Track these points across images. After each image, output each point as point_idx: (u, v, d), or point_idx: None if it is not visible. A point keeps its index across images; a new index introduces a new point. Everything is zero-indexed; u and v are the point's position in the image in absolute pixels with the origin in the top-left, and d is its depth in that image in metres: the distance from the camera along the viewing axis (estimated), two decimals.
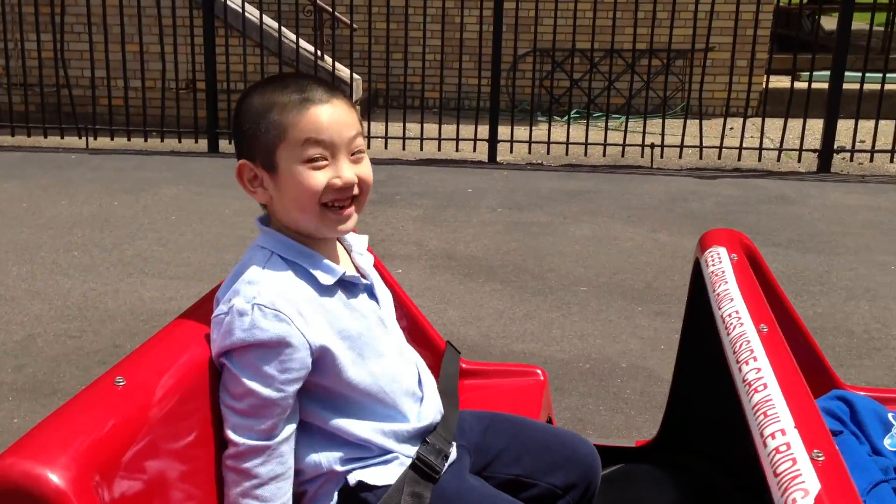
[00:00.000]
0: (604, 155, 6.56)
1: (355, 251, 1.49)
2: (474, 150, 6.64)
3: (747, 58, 7.22)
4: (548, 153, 6.65)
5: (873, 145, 6.25)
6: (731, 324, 1.51)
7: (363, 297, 1.43)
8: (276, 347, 1.25)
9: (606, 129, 6.56)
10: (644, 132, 6.52)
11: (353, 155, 1.35)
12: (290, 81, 1.34)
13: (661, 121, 6.67)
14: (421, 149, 6.70)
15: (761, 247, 4.64)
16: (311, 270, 1.34)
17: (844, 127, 6.42)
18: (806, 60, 6.57)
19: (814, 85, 6.21)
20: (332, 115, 1.32)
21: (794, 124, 6.46)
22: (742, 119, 6.57)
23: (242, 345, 1.25)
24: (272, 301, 1.26)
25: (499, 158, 6.58)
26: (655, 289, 4.10)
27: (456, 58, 6.85)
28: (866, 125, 6.38)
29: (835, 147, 6.23)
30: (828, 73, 6.26)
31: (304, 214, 1.34)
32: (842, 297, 3.99)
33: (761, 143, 6.31)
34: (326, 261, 1.37)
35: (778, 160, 6.41)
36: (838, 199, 5.54)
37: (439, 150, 6.68)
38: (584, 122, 6.87)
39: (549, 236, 4.83)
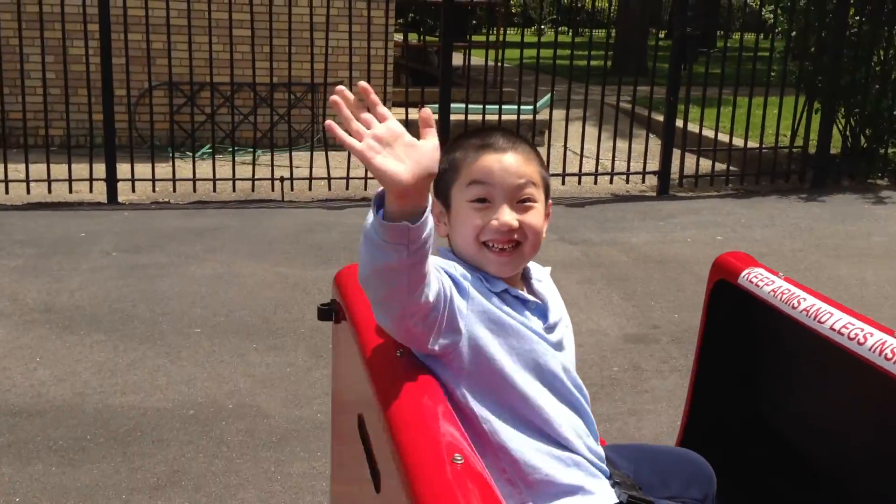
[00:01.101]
0: (234, 190, 6.45)
1: (534, 277, 1.56)
2: (91, 191, 6.17)
3: (378, 91, 7.57)
4: (174, 191, 6.37)
5: None
6: (855, 334, 1.62)
7: (528, 313, 1.49)
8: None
9: (234, 163, 6.46)
10: (273, 165, 6.52)
11: (519, 202, 1.45)
12: (484, 131, 1.51)
13: (298, 153, 6.72)
14: (28, 192, 6.07)
15: None
16: (483, 279, 1.44)
17: None
18: (434, 93, 7.00)
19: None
20: (502, 162, 1.44)
21: None
22: None
23: None
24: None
25: (120, 199, 6.18)
26: (272, 323, 4.06)
27: (71, 91, 6.32)
28: None
29: None
30: (462, 105, 6.78)
31: (468, 249, 1.46)
32: None
33: None
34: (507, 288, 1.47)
35: None
36: None
37: (49, 192, 6.11)
38: (218, 156, 6.71)
39: (167, 278, 4.60)
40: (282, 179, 6.44)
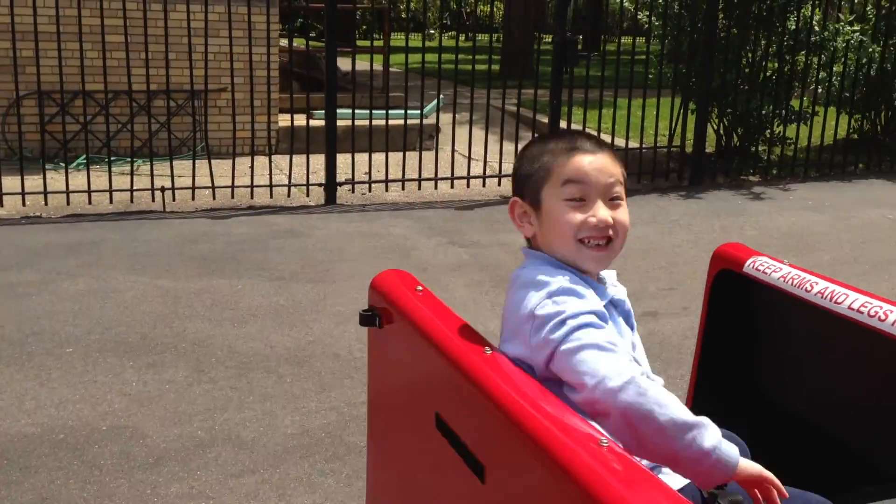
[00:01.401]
0: (111, 202, 6.20)
1: (609, 283, 1.59)
2: None
3: (263, 98, 7.44)
4: (46, 204, 6.08)
5: (370, 176, 6.82)
6: (874, 311, 1.67)
7: (620, 320, 1.56)
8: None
9: (111, 174, 6.21)
10: (152, 175, 6.30)
11: (610, 200, 1.52)
12: (566, 134, 1.62)
13: (180, 162, 6.49)
14: None
15: (266, 282, 4.81)
16: (596, 289, 1.49)
17: (359, 160, 6.93)
18: (320, 99, 6.90)
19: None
20: (593, 163, 1.52)
21: (312, 160, 6.77)
22: (266, 157, 6.69)
23: (578, 312, 1.40)
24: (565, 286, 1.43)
25: None
26: (151, 339, 3.92)
27: None
28: (376, 158, 6.91)
29: (338, 180, 6.65)
30: (348, 110, 6.73)
31: (565, 246, 1.51)
32: (333, 322, 4.21)
33: (270, 179, 6.50)
34: (597, 283, 1.53)
35: (289, 195, 6.66)
36: (341, 229, 5.91)
37: None
38: (95, 167, 6.42)
39: (37, 296, 4.37)
40: (162, 189, 6.24)
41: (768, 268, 1.96)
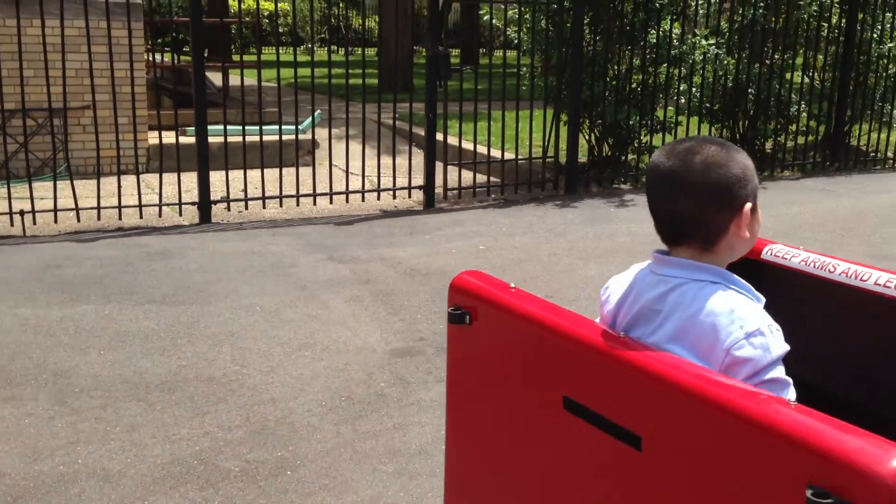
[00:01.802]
0: None
1: None
2: None
3: (129, 114, 7.16)
4: None
5: (246, 193, 6.67)
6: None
7: None
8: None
9: None
10: (10, 198, 5.96)
11: None
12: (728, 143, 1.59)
13: (41, 184, 6.15)
14: None
15: (136, 306, 4.63)
16: (754, 298, 1.53)
17: (235, 177, 6.76)
18: (191, 116, 6.70)
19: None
20: None
21: (185, 178, 6.55)
22: (135, 176, 6.42)
23: (771, 361, 1.43)
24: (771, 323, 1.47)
25: None
26: (10, 371, 3.69)
27: None
28: (252, 175, 6.75)
29: (212, 198, 6.48)
30: (219, 126, 6.55)
31: (744, 252, 1.60)
32: (207, 344, 4.08)
33: (140, 199, 6.26)
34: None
35: (160, 215, 6.43)
36: (216, 248, 5.75)
37: None
38: None
39: None
40: (21, 213, 5.91)
41: (786, 254, 2.06)
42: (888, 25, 9.22)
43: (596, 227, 6.56)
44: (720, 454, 1.28)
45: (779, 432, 1.18)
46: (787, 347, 1.45)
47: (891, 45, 9.27)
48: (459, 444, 1.95)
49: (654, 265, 1.60)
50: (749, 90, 8.80)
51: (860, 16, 8.98)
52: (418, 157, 7.69)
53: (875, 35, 9.11)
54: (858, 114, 9.42)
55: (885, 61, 9.35)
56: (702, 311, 1.47)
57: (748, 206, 1.51)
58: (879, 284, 1.82)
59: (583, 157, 8.39)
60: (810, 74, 9.40)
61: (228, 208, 6.71)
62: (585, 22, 7.75)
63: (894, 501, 1.08)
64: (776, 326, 1.46)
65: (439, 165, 7.34)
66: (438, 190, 7.35)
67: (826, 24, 8.98)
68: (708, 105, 8.81)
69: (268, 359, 3.92)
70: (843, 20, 8.96)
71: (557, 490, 1.67)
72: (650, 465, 1.41)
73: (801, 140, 9.55)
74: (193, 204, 6.50)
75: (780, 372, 1.44)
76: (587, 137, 8.36)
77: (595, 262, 5.58)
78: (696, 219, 1.51)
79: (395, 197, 7.32)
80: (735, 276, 1.54)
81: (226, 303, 4.65)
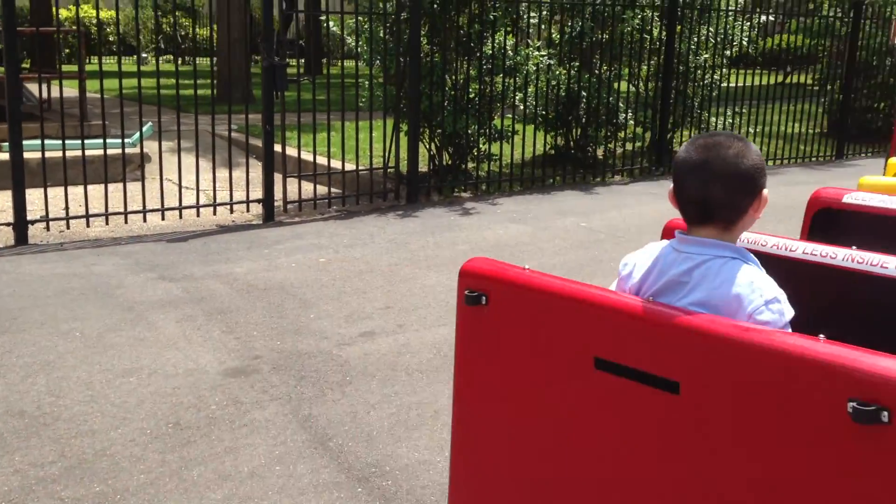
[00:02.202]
0: None
1: None
2: None
3: None
4: None
5: (67, 212, 6.28)
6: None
7: None
8: None
9: None
10: None
11: None
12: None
13: None
14: None
15: None
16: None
17: (55, 195, 6.32)
18: (4, 130, 6.23)
19: (25, 154, 5.97)
20: None
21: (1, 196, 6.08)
22: None
23: (785, 324, 1.73)
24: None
25: None
26: None
27: None
28: (75, 192, 6.34)
29: (29, 218, 6.05)
30: (37, 141, 6.11)
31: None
32: (20, 375, 3.78)
33: None
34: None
35: None
36: (33, 271, 5.36)
37: None
38: None
39: None
40: None
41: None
42: (703, 38, 9.86)
43: (437, 236, 6.61)
44: (760, 389, 1.50)
45: (818, 360, 1.42)
46: (793, 312, 1.74)
47: (706, 55, 9.92)
48: (470, 422, 2.05)
49: (678, 244, 1.84)
50: (581, 99, 9.17)
51: (678, 28, 9.55)
52: (256, 169, 7.50)
53: (692, 47, 9.72)
54: (680, 121, 10.01)
55: (701, 72, 9.99)
56: (726, 283, 1.74)
57: (766, 191, 1.81)
58: (835, 257, 2.17)
59: (424, 167, 8.46)
60: (635, 84, 9.91)
61: (48, 228, 6.29)
62: (423, 33, 7.82)
63: None
64: (784, 295, 1.75)
65: (279, 178, 7.18)
66: (278, 203, 7.19)
67: (648, 37, 9.49)
68: (543, 113, 9.10)
69: (88, 387, 3.68)
70: (664, 33, 9.49)
71: (589, 446, 1.83)
72: (688, 407, 1.62)
73: (629, 147, 10.05)
74: (8, 225, 6.04)
75: (789, 331, 1.71)
76: (427, 147, 8.43)
77: (435, 271, 5.61)
78: (726, 202, 1.78)
79: (232, 211, 7.10)
80: (749, 253, 1.82)
81: (42, 330, 4.33)
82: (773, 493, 1.50)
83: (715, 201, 1.78)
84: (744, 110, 10.47)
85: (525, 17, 8.90)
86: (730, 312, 1.72)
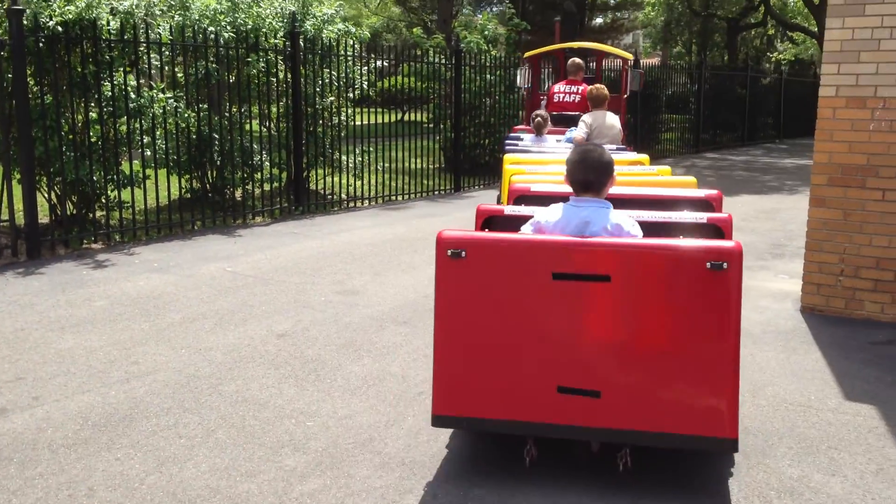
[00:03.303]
0: None
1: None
2: None
3: None
4: None
5: None
6: None
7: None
8: None
9: None
10: None
11: None
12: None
13: None
14: None
15: None
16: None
17: None
18: None
19: None
20: None
21: None
22: None
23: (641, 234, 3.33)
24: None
25: None
26: None
27: None
28: None
29: None
30: None
31: None
32: None
33: None
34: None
35: None
36: None
37: None
38: None
39: None
40: None
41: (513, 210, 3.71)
42: (326, 80, 10.28)
43: (69, 294, 6.04)
44: (655, 270, 3.04)
45: (687, 250, 3.03)
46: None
47: (332, 98, 10.36)
48: (452, 340, 3.21)
49: (575, 203, 3.33)
50: (213, 141, 9.02)
51: (302, 71, 9.85)
52: None
53: (318, 89, 10.08)
54: (313, 160, 10.31)
55: (328, 113, 10.41)
56: (610, 219, 3.27)
57: (616, 174, 3.39)
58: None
59: (45, 218, 7.68)
60: (267, 125, 10.01)
61: None
62: (30, 72, 7.13)
63: (740, 259, 2.98)
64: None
65: None
66: None
67: (275, 79, 9.66)
68: (175, 157, 8.79)
69: None
70: (289, 76, 9.73)
71: (549, 323, 3.12)
72: (618, 288, 3.05)
73: (267, 187, 10.11)
74: None
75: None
76: (47, 196, 7.68)
77: (72, 333, 5.13)
78: (599, 181, 3.32)
79: None
80: (611, 203, 3.34)
81: None
82: (668, 315, 3.05)
83: (593, 180, 3.31)
84: (371, 148, 11.10)
85: (146, 58, 8.53)
86: (618, 233, 3.23)
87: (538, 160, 5.65)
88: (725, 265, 2.94)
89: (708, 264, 2.95)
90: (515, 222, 3.54)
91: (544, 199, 3.75)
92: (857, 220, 5.52)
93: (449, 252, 3.09)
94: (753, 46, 38.59)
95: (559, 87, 9.78)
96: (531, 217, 3.46)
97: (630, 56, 12.00)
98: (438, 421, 3.22)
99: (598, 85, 7.96)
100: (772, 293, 6.30)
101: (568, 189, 3.44)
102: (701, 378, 3.00)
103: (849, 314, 5.61)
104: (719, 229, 3.48)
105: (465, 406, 3.19)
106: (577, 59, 9.85)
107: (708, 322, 2.99)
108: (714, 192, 3.96)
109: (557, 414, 3.10)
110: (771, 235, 8.80)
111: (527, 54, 12.25)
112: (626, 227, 3.25)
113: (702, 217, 3.52)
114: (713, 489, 3.23)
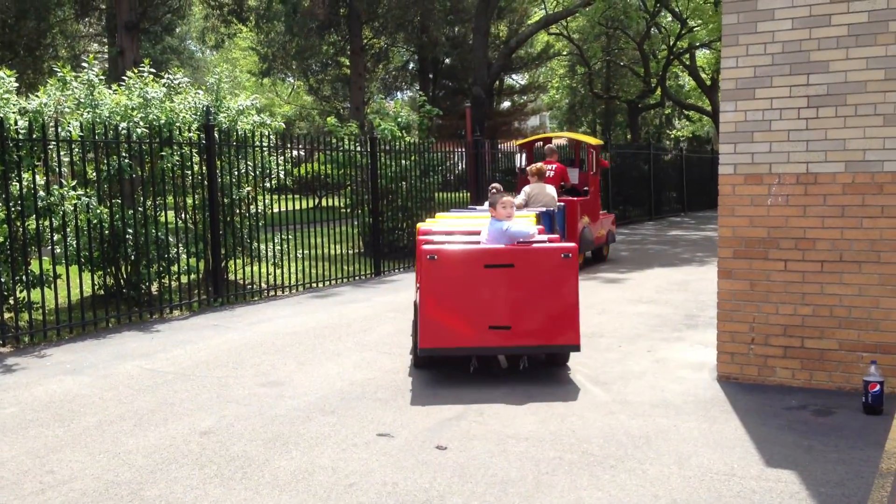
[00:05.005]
0: None
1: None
2: None
3: None
4: None
5: None
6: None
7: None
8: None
9: None
10: None
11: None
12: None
13: None
14: None
15: None
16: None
17: None
18: None
19: None
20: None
21: None
22: None
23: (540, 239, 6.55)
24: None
25: None
26: None
27: None
28: None
29: None
30: None
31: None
32: None
33: None
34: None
35: None
36: None
37: None
38: None
39: None
40: None
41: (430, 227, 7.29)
42: (243, 171, 10.29)
43: None
44: (537, 259, 6.02)
45: (553, 248, 6.08)
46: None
47: (248, 188, 10.35)
48: (430, 305, 5.96)
49: (494, 221, 6.41)
50: (127, 236, 8.86)
51: (218, 163, 9.84)
52: None
53: (234, 180, 10.07)
54: (231, 250, 10.21)
55: (245, 203, 10.39)
56: (519, 227, 6.36)
57: (498, 204, 6.51)
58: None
59: None
60: (183, 217, 9.90)
61: None
62: None
63: (577, 251, 6.16)
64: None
65: None
66: None
67: (190, 172, 9.61)
68: (87, 253, 8.58)
69: None
70: (205, 167, 9.70)
71: (489, 298, 5.97)
72: (518, 273, 5.99)
73: (185, 279, 9.92)
74: None
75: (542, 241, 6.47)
76: None
77: None
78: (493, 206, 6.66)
79: None
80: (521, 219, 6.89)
81: None
82: (543, 282, 5.98)
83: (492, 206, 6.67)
84: (290, 236, 11.08)
85: (55, 155, 8.39)
86: (525, 238, 6.19)
87: (455, 216, 8.33)
88: (570, 255, 5.98)
89: (562, 255, 5.96)
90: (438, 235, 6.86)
91: (438, 234, 6.91)
92: (762, 289, 5.80)
93: (428, 256, 5.94)
94: (654, 125, 40.53)
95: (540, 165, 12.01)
96: (444, 233, 6.88)
97: (600, 142, 14.13)
98: (424, 352, 5.96)
99: (538, 164, 11.27)
100: (689, 363, 6.50)
101: (445, 228, 6.98)
102: (559, 314, 5.98)
103: (762, 381, 5.83)
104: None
105: (437, 341, 5.96)
106: (551, 145, 13.24)
107: (562, 285, 5.97)
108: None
109: (488, 341, 6.00)
110: (684, 306, 9.11)
111: (519, 142, 15.05)
112: (533, 232, 6.33)
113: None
114: (562, 376, 6.17)
